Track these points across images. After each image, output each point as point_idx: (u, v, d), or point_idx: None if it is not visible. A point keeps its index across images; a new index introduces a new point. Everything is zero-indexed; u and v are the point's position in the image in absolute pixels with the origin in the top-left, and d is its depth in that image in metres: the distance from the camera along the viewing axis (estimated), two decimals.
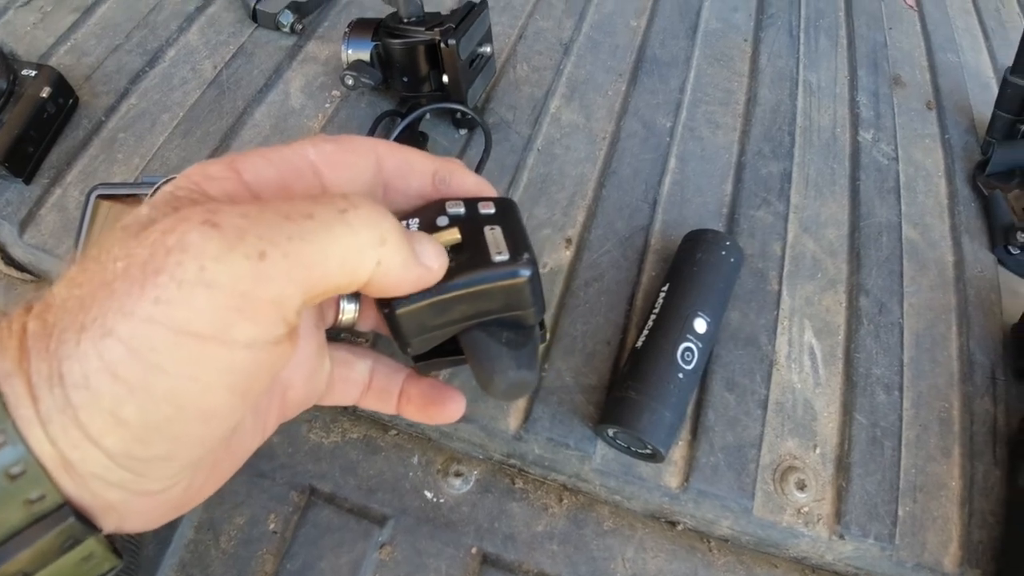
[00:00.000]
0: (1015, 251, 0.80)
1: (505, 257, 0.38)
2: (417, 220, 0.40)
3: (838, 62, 0.94)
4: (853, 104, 0.89)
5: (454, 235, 0.38)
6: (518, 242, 0.39)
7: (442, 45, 0.65)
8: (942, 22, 1.10)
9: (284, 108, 0.75)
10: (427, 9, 0.68)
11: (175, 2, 0.82)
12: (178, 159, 0.70)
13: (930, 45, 1.04)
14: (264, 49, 0.80)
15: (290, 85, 0.77)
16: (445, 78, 0.67)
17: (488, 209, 0.40)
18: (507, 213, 0.41)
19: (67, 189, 0.67)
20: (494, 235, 0.39)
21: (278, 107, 0.75)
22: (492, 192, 0.41)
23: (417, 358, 0.42)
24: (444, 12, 0.68)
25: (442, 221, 0.39)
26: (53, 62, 0.75)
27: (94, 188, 0.62)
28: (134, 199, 0.62)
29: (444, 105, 0.71)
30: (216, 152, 0.71)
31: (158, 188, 0.59)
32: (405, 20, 0.66)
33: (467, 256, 0.38)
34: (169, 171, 0.69)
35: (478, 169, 0.67)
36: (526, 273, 0.38)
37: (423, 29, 0.65)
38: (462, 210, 0.40)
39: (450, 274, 0.37)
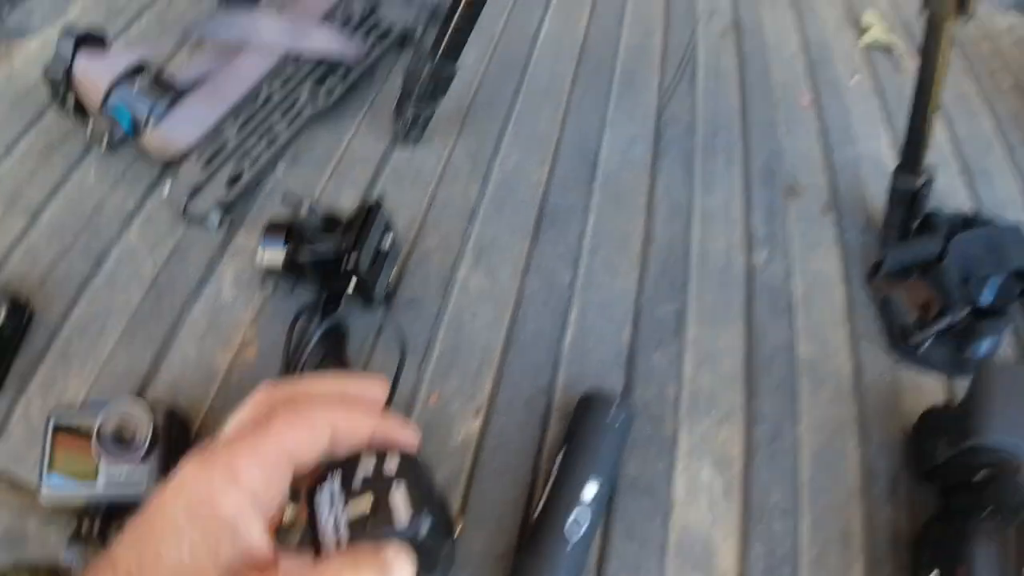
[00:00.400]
0: (914, 348, 0.85)
1: (404, 519, 0.44)
2: (339, 473, 0.46)
3: (732, 180, 1.01)
4: (747, 225, 0.96)
5: (365, 506, 0.44)
6: (419, 500, 0.45)
7: (344, 268, 0.72)
8: (840, 115, 1.17)
9: (218, 303, 0.81)
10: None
11: (116, 201, 0.89)
12: (126, 365, 0.76)
13: (828, 143, 1.10)
14: (197, 246, 0.86)
15: (222, 280, 0.83)
16: (350, 289, 0.74)
17: (391, 464, 0.47)
18: (409, 467, 0.47)
19: (31, 400, 0.73)
20: (400, 495, 0.45)
21: (212, 302, 0.81)
22: (415, 445, 0.48)
23: None
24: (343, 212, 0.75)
25: (359, 476, 0.46)
26: (9, 269, 0.81)
27: (50, 415, 0.67)
28: (83, 436, 0.67)
29: (360, 310, 0.77)
30: (159, 355, 0.77)
31: (105, 419, 0.65)
32: (308, 234, 0.73)
33: (379, 518, 0.44)
34: (118, 379, 0.75)
35: (395, 379, 0.71)
36: (420, 529, 0.44)
37: (328, 246, 0.72)
38: (372, 465, 0.47)
39: (369, 533, 0.43)
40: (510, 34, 1.16)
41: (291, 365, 0.74)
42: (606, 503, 0.68)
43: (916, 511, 0.74)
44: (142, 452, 0.62)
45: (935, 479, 0.75)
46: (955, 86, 1.27)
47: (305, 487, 0.49)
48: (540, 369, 0.79)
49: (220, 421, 0.72)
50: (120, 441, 0.63)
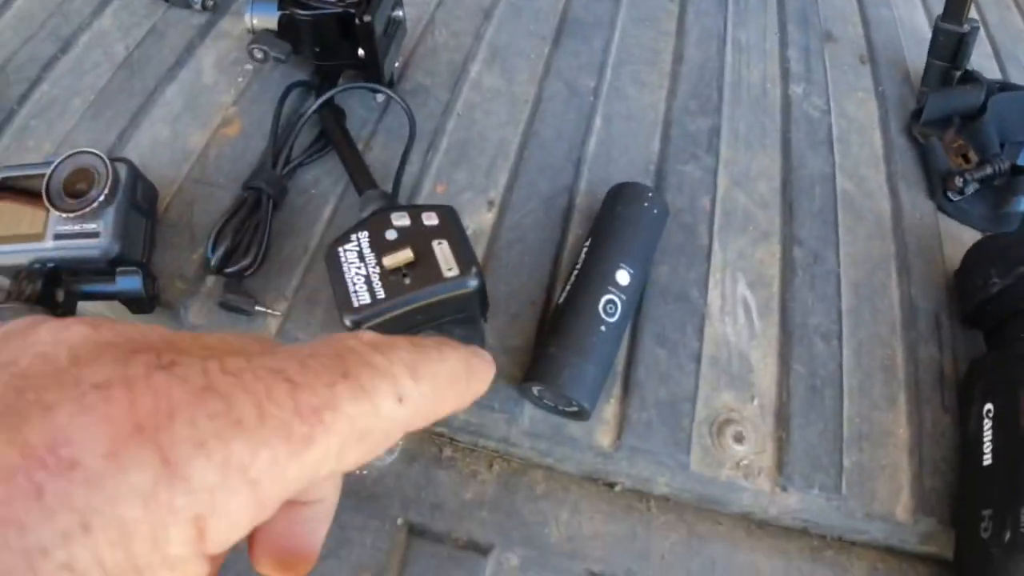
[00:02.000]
0: (954, 197, 0.79)
1: (455, 272, 0.46)
2: (366, 234, 0.48)
3: (767, 19, 0.93)
4: (783, 60, 0.88)
5: (408, 255, 0.46)
6: (464, 255, 0.47)
7: (357, 21, 0.62)
8: None
9: (196, 86, 0.73)
10: None
11: None
12: (87, 142, 0.67)
13: (863, 1, 1.03)
14: (176, 28, 0.77)
15: (202, 62, 0.75)
16: (361, 52, 0.65)
17: (432, 220, 0.48)
18: (450, 224, 0.49)
19: None
20: (442, 250, 0.47)
21: (190, 85, 0.73)
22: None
23: None
24: None
25: (391, 235, 0.47)
26: None
27: None
28: (36, 179, 0.59)
29: (361, 85, 0.68)
30: (125, 133, 0.68)
31: (57, 166, 0.56)
32: None
33: (421, 271, 0.46)
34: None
35: (403, 156, 0.64)
36: (474, 284, 0.46)
37: (332, 1, 0.63)
38: (407, 222, 0.48)
39: (408, 288, 0.45)
40: None
41: (280, 141, 0.65)
42: (638, 299, 0.60)
43: (960, 354, 0.68)
44: (97, 203, 0.53)
45: (981, 319, 0.69)
46: None
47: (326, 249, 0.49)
48: (560, 169, 0.70)
49: (192, 196, 0.64)
50: (74, 196, 0.54)
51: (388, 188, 0.62)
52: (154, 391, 0.16)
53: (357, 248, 0.48)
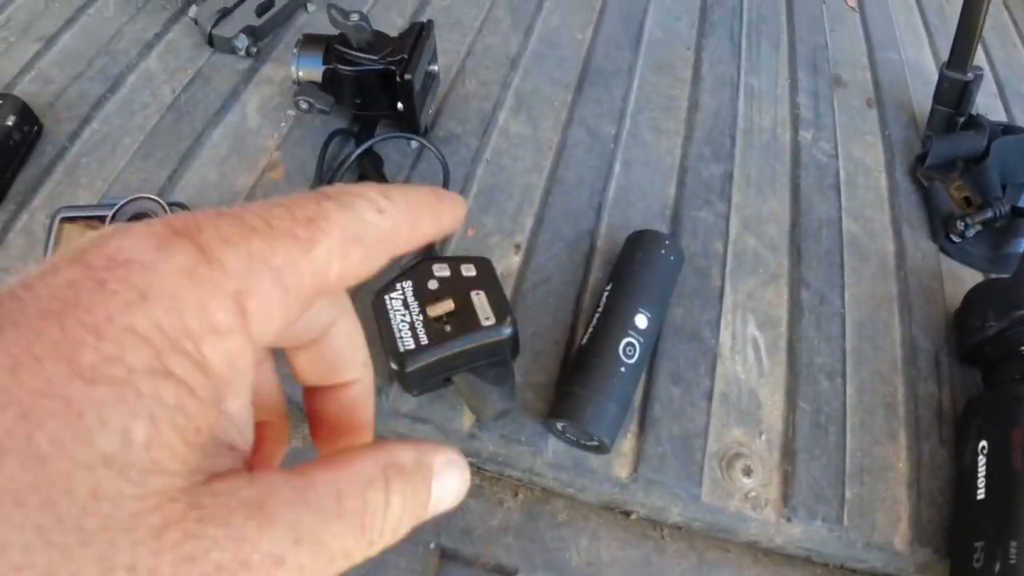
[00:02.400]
0: (956, 239, 0.83)
1: (492, 321, 0.51)
2: (410, 283, 0.53)
3: (779, 66, 0.98)
4: (793, 105, 0.93)
5: (449, 306, 0.52)
6: (500, 305, 0.52)
7: (398, 78, 0.67)
8: (884, 21, 1.14)
9: (241, 129, 0.77)
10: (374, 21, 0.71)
11: (135, 29, 0.84)
12: (139, 181, 0.72)
13: (871, 44, 1.07)
14: (221, 72, 0.82)
15: (246, 106, 0.79)
16: (400, 106, 0.70)
17: (470, 271, 0.54)
18: (487, 276, 0.54)
19: (33, 214, 0.69)
20: (480, 301, 0.52)
21: (235, 128, 0.77)
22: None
23: None
24: (392, 27, 0.71)
25: (432, 284, 0.53)
26: (18, 91, 0.77)
27: (58, 211, 0.64)
28: (97, 220, 0.64)
29: (400, 135, 0.73)
30: (175, 175, 0.73)
31: (119, 208, 0.61)
32: (356, 46, 0.68)
33: (461, 320, 0.51)
34: (130, 193, 0.71)
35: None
36: (509, 332, 0.52)
37: (375, 58, 0.68)
38: (448, 273, 0.53)
39: (449, 335, 0.51)
40: None
41: (323, 184, 0.69)
42: (655, 340, 0.64)
43: (958, 390, 0.72)
44: None
45: (978, 358, 0.73)
46: (994, 17, 1.24)
47: (373, 296, 0.54)
48: (582, 214, 0.75)
49: None
50: None
51: None
52: (182, 216, 0.19)
53: (402, 297, 0.53)
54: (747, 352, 0.69)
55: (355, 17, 0.66)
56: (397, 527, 0.21)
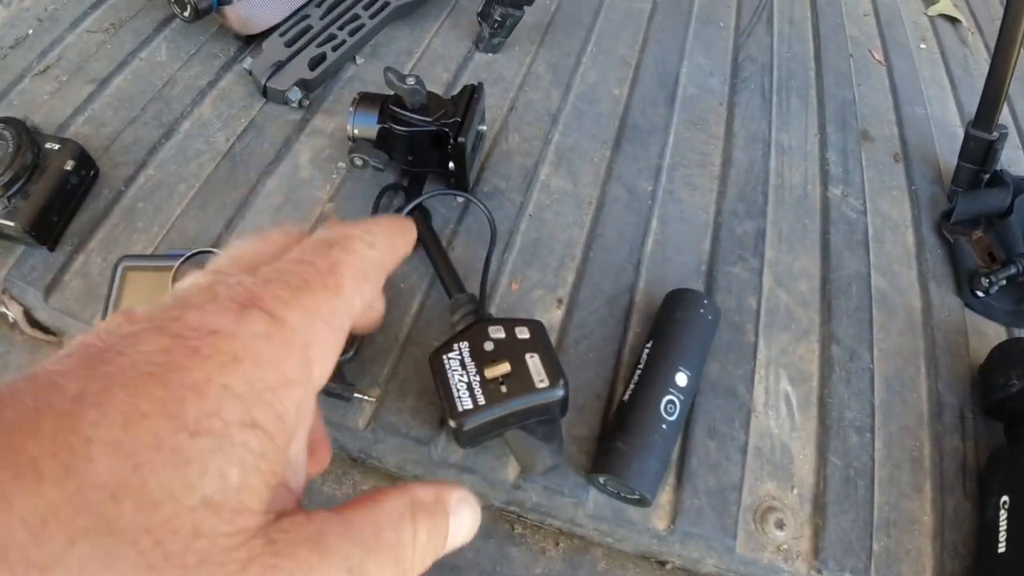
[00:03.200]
0: (980, 294, 0.86)
1: (546, 384, 0.55)
2: (467, 344, 0.57)
3: (808, 121, 1.01)
4: (823, 161, 0.96)
5: (505, 368, 0.55)
6: (553, 368, 0.56)
7: (451, 141, 0.71)
8: (909, 75, 1.17)
9: (294, 179, 0.80)
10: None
11: (187, 76, 0.88)
12: (195, 229, 0.75)
13: (898, 99, 1.10)
14: (274, 123, 0.85)
15: (299, 157, 0.83)
16: (451, 164, 0.73)
17: (524, 334, 0.57)
18: (539, 338, 0.58)
19: (90, 256, 0.72)
20: (534, 363, 0.56)
21: (288, 178, 0.80)
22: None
23: None
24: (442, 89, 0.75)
25: (488, 346, 0.57)
26: (72, 132, 0.80)
27: (121, 259, 0.67)
28: (162, 271, 0.67)
29: (449, 192, 0.77)
30: (231, 223, 0.76)
31: (184, 261, 0.65)
32: (410, 108, 0.72)
33: (516, 381, 0.55)
34: (187, 241, 0.74)
35: (486, 262, 0.73)
36: (561, 394, 0.55)
37: (429, 120, 0.71)
38: (503, 335, 0.57)
39: (504, 396, 0.54)
40: None
41: None
42: (693, 397, 0.67)
43: (982, 444, 0.75)
44: None
45: (1002, 413, 0.76)
46: (1020, 69, 1.27)
47: (431, 355, 0.58)
48: (622, 269, 0.78)
49: None
50: None
51: (471, 288, 0.70)
52: (240, 288, 0.23)
53: (459, 357, 0.56)
54: (780, 407, 0.72)
55: (411, 81, 0.70)
56: (424, 558, 0.25)
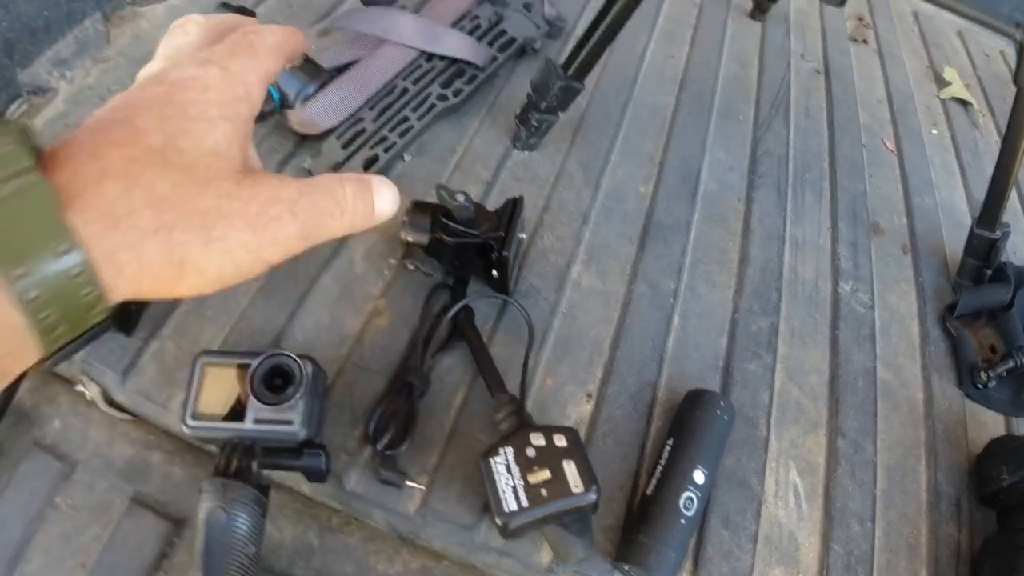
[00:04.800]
0: (980, 386, 0.92)
1: (582, 489, 0.63)
2: (511, 450, 0.66)
3: (822, 215, 1.09)
4: (834, 256, 1.03)
5: (546, 475, 0.64)
6: (588, 474, 0.64)
7: (495, 254, 0.79)
8: (920, 163, 1.24)
9: (349, 275, 0.88)
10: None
11: None
12: (261, 320, 0.82)
13: (908, 189, 1.18)
14: None
15: (353, 252, 0.90)
16: (495, 272, 0.81)
17: (561, 442, 0.66)
18: (575, 446, 0.66)
19: (163, 342, 0.79)
20: (571, 470, 0.64)
21: (343, 274, 0.87)
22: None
23: None
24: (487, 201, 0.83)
25: (530, 452, 0.65)
26: None
27: (200, 354, 0.75)
28: (239, 368, 0.74)
29: (495, 296, 0.85)
30: (293, 315, 0.84)
31: (260, 363, 0.72)
32: (458, 220, 0.80)
33: (555, 485, 0.63)
34: (254, 331, 0.82)
35: (524, 362, 0.80)
36: (595, 498, 0.64)
37: (476, 233, 0.79)
38: (543, 442, 0.66)
39: (545, 499, 0.63)
40: (618, 54, 1.23)
41: (426, 337, 0.81)
42: (709, 491, 0.75)
43: (976, 531, 0.81)
44: (294, 400, 0.69)
45: (995, 503, 0.83)
46: None
47: (479, 458, 0.67)
48: (646, 365, 0.86)
49: (353, 379, 0.79)
50: (270, 386, 0.70)
51: (510, 383, 0.78)
52: (202, 56, 0.39)
53: (505, 462, 0.65)
54: (788, 497, 0.79)
55: (460, 198, 0.78)
56: (354, 213, 0.39)
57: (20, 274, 0.27)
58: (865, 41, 1.54)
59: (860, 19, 1.59)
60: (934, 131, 1.34)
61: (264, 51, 0.41)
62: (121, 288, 0.32)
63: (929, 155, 1.27)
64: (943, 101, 1.43)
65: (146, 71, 0.41)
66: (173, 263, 0.33)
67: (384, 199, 0.42)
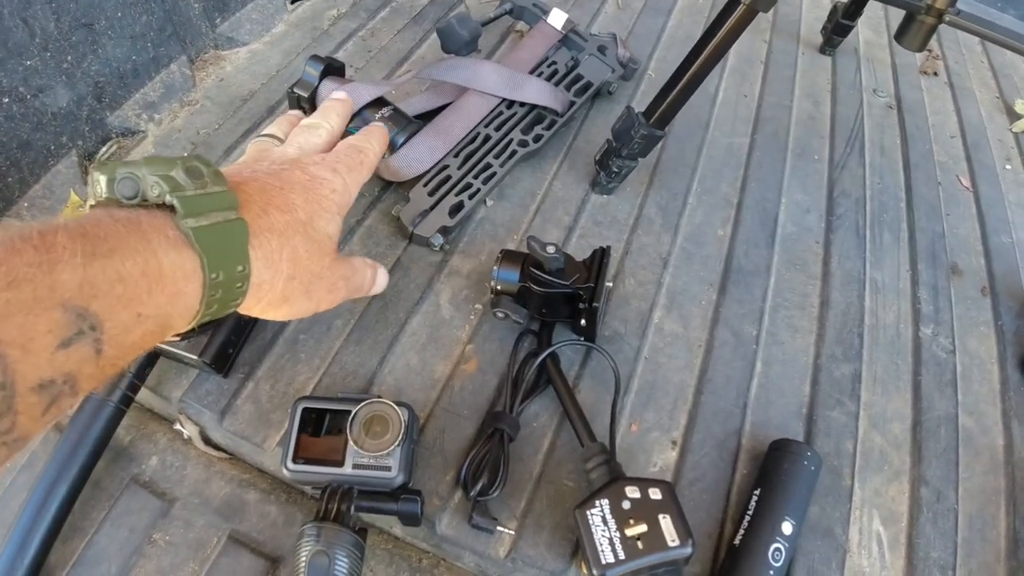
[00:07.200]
0: None
1: (677, 543, 0.65)
2: (607, 502, 0.68)
3: (900, 257, 1.09)
4: (915, 299, 1.04)
5: (642, 528, 0.66)
6: (683, 528, 0.66)
7: (585, 304, 0.81)
8: (996, 200, 1.24)
9: (436, 319, 0.91)
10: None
11: None
12: (353, 364, 0.85)
13: (985, 229, 1.18)
14: (417, 264, 0.96)
15: (440, 297, 0.93)
16: (583, 322, 0.83)
17: (656, 495, 0.68)
18: (670, 499, 0.68)
19: (259, 384, 0.82)
20: (667, 523, 0.66)
21: (431, 317, 0.91)
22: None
23: None
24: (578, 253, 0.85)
25: (626, 504, 0.67)
26: None
27: (299, 400, 0.78)
28: (337, 415, 0.78)
29: (580, 343, 0.88)
30: (384, 360, 0.87)
31: (360, 410, 0.75)
32: (548, 270, 0.82)
33: (651, 538, 0.66)
34: (346, 375, 0.85)
35: (612, 410, 0.82)
36: (689, 551, 0.66)
37: (565, 284, 0.82)
38: (638, 495, 0.68)
39: (641, 552, 0.65)
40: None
41: (515, 383, 0.83)
42: (796, 542, 0.76)
43: None
44: (393, 447, 0.72)
45: None
46: None
47: (575, 509, 0.70)
48: (730, 413, 0.87)
49: (443, 423, 0.82)
50: (371, 435, 0.73)
51: (596, 428, 0.80)
52: (329, 161, 0.62)
53: (601, 514, 0.67)
54: (872, 547, 0.80)
55: (551, 249, 0.81)
56: (370, 284, 0.71)
57: (215, 276, 0.43)
58: (936, 73, 1.53)
59: (929, 50, 1.58)
60: (1008, 166, 1.34)
61: (368, 167, 0.65)
62: (250, 305, 0.51)
63: (1004, 192, 1.26)
64: (1016, 135, 1.42)
65: (281, 152, 0.62)
66: (285, 300, 0.53)
67: (381, 281, 0.72)
